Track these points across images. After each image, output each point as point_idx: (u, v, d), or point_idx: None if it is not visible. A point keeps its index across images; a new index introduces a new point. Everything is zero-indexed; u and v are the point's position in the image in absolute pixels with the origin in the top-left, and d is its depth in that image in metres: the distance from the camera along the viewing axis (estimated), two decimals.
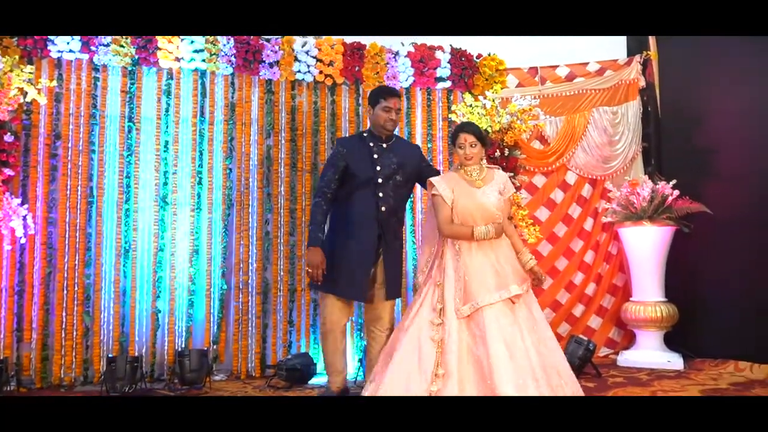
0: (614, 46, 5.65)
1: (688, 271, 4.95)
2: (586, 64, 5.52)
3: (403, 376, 2.88)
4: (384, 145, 3.37)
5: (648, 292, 4.85)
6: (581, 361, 4.40)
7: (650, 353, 4.79)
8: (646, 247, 4.86)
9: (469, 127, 3.13)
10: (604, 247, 5.42)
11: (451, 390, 2.78)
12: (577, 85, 5.47)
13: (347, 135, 4.86)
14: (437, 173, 3.49)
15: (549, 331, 3.10)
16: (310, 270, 3.20)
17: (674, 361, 4.68)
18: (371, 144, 3.37)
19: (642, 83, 5.43)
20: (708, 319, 4.80)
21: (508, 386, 2.70)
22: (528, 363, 2.80)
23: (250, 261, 4.63)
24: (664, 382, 4.20)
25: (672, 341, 4.89)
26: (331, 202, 3.34)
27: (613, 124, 5.38)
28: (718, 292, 4.72)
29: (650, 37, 5.43)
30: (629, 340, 5.24)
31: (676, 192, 4.78)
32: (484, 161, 3.20)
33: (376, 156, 3.34)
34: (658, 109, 5.42)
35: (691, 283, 4.92)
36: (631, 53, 5.60)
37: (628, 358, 4.88)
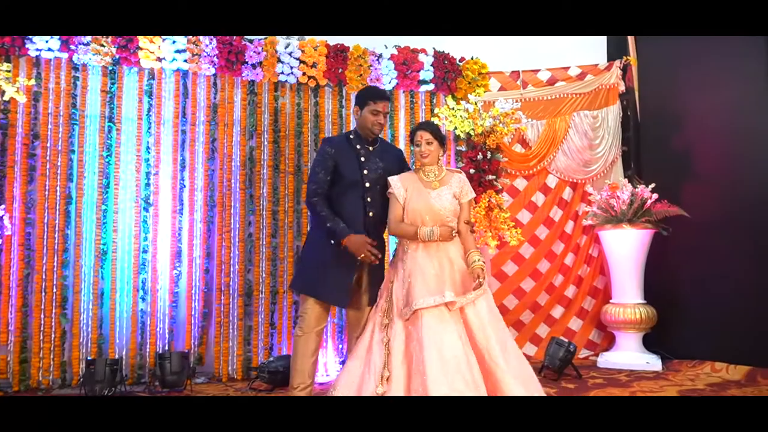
0: (595, 51, 5.73)
1: (666, 274, 5.03)
2: (568, 68, 5.59)
3: (356, 378, 2.90)
4: (370, 149, 3.28)
5: (627, 294, 4.92)
6: (562, 363, 4.44)
7: (629, 354, 4.85)
8: (626, 249, 4.92)
9: (426, 125, 3.14)
10: (584, 249, 5.48)
11: (396, 392, 2.76)
12: (559, 89, 5.53)
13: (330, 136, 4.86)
14: None
15: (498, 335, 2.90)
16: (363, 256, 3.00)
17: (653, 363, 4.75)
18: (358, 147, 3.27)
19: (622, 88, 5.50)
20: (686, 321, 4.88)
21: (440, 391, 2.63)
22: (463, 369, 2.70)
23: (232, 263, 4.60)
24: (642, 383, 4.25)
25: (651, 343, 4.97)
26: (327, 201, 3.20)
27: (594, 128, 5.45)
28: (695, 294, 4.80)
29: (630, 42, 5.52)
30: (609, 342, 5.31)
31: (655, 195, 4.85)
32: (443, 162, 3.18)
33: (363, 159, 3.24)
34: (637, 113, 5.50)
35: (669, 285, 5.00)
36: (611, 58, 5.68)
37: (608, 359, 4.93)
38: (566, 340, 4.62)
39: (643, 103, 5.47)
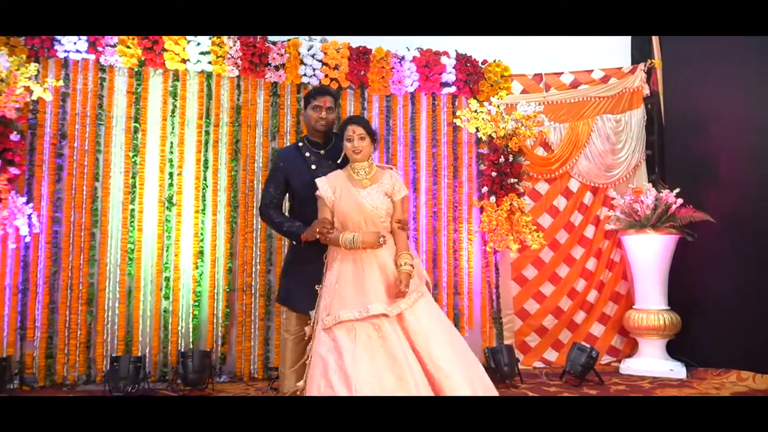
0: (618, 54, 5.68)
1: (691, 280, 4.95)
2: (591, 71, 5.55)
3: (309, 385, 2.69)
4: (321, 152, 3.11)
5: (651, 300, 4.86)
6: (583, 369, 4.40)
7: (653, 361, 4.79)
8: (649, 255, 4.87)
9: (357, 120, 2.92)
10: (606, 254, 5.43)
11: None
12: (582, 92, 5.49)
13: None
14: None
15: (438, 337, 2.69)
16: (320, 234, 2.79)
17: (677, 370, 4.68)
18: (307, 154, 3.11)
19: (646, 91, 5.45)
20: (711, 328, 4.80)
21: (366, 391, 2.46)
22: (395, 370, 2.53)
23: (253, 263, 4.63)
24: (666, 390, 4.20)
25: (674, 350, 4.89)
26: (280, 209, 3.13)
27: (617, 131, 5.40)
28: (721, 301, 4.72)
29: (654, 44, 5.47)
30: (631, 348, 5.25)
31: (680, 200, 4.79)
32: (374, 160, 2.98)
33: (314, 167, 3.06)
34: (662, 117, 5.44)
35: (694, 292, 4.93)
36: (635, 61, 5.62)
37: (630, 365, 4.87)
38: (588, 345, 4.58)
39: (667, 107, 5.40)
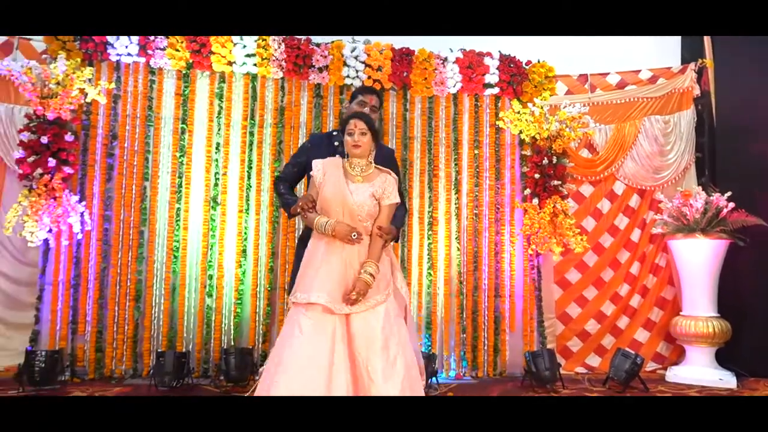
0: (667, 54, 5.54)
1: (742, 286, 4.80)
2: (638, 71, 5.42)
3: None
4: None
5: (699, 306, 4.71)
6: (628, 375, 4.30)
7: (701, 370, 4.64)
8: (698, 260, 4.72)
9: (361, 115, 2.86)
10: (651, 258, 5.29)
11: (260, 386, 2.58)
12: (628, 93, 5.37)
13: (394, 140, 4.89)
14: (398, 182, 2.96)
15: (384, 353, 2.54)
16: (301, 206, 2.72)
17: (726, 380, 4.53)
18: (336, 144, 3.11)
19: (697, 92, 5.29)
20: (763, 337, 4.64)
21: (280, 390, 2.41)
22: (312, 372, 2.45)
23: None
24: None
25: (724, 358, 4.73)
26: (291, 188, 3.16)
27: (665, 133, 5.26)
28: None
29: (706, 44, 5.30)
30: (678, 356, 5.10)
31: (731, 204, 4.64)
32: (372, 158, 2.85)
33: (339, 156, 3.03)
34: (713, 118, 5.27)
35: (745, 299, 4.77)
36: (685, 61, 5.47)
37: (677, 373, 4.74)
38: (632, 351, 4.48)
39: (719, 108, 5.24)
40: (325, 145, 3.17)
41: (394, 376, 2.50)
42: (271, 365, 2.53)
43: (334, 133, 3.23)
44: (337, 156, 2.92)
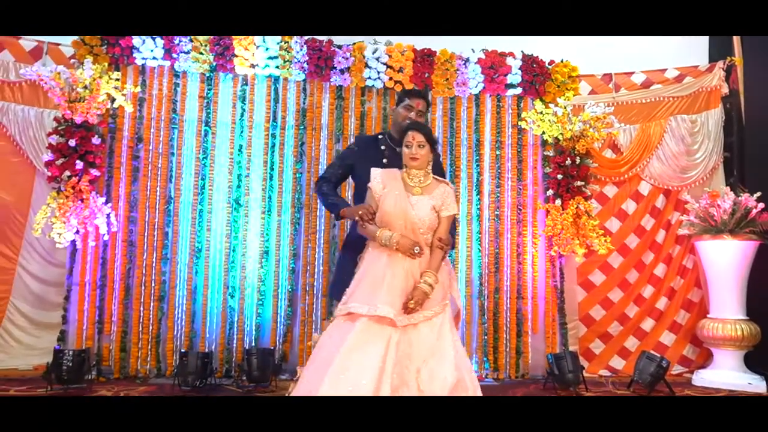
0: (695, 52, 5.44)
1: None
2: (664, 70, 5.34)
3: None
4: (398, 149, 3.03)
5: (727, 309, 4.62)
6: (653, 379, 4.23)
7: (729, 374, 4.55)
8: (726, 261, 4.63)
9: (419, 126, 2.85)
10: (677, 260, 5.20)
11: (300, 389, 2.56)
12: (654, 93, 5.29)
13: None
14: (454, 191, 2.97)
15: (434, 369, 2.54)
16: (361, 215, 2.74)
17: (756, 384, 4.43)
18: (383, 147, 3.10)
19: (725, 90, 5.19)
20: None
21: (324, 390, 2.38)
22: (369, 381, 2.40)
23: (316, 264, 4.71)
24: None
25: (753, 362, 4.63)
26: (335, 187, 3.15)
27: (692, 132, 5.17)
28: None
29: (735, 41, 5.20)
30: (705, 359, 5.01)
31: (761, 205, 4.54)
32: (430, 169, 2.85)
33: (385, 161, 3.06)
34: (742, 117, 5.16)
35: None
36: (712, 59, 5.37)
37: (704, 377, 4.65)
38: (658, 354, 4.40)
39: (748, 107, 5.13)
40: (372, 148, 3.18)
41: (445, 388, 2.49)
42: (320, 365, 2.49)
43: (380, 136, 3.26)
44: (394, 168, 2.90)
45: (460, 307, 2.87)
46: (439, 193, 2.80)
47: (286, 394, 2.70)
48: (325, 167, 4.76)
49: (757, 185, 4.72)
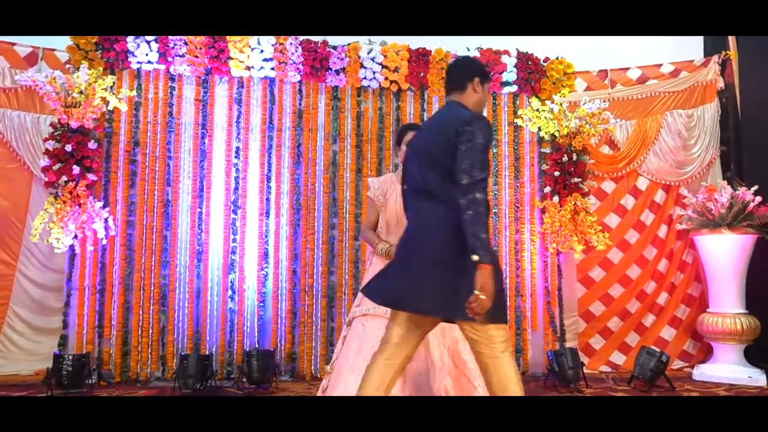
0: (690, 47, 5.44)
1: None
2: (660, 65, 5.34)
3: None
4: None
5: (726, 303, 4.62)
6: (653, 374, 4.23)
7: (729, 368, 4.55)
8: (725, 255, 4.63)
9: (416, 127, 2.86)
10: (678, 255, 5.20)
11: (333, 386, 2.67)
12: (650, 88, 5.29)
13: None
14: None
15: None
16: (483, 298, 2.12)
17: (756, 377, 4.43)
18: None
19: (720, 84, 5.19)
20: None
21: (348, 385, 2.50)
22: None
23: (315, 265, 4.71)
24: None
25: (753, 356, 4.63)
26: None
27: (688, 127, 5.17)
28: None
29: (729, 36, 5.19)
30: (705, 354, 5.01)
31: (758, 198, 4.54)
32: None
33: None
34: (737, 111, 5.16)
35: None
36: (708, 54, 5.37)
37: (704, 372, 4.65)
38: (658, 349, 4.40)
39: (744, 101, 5.13)
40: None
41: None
42: (353, 361, 2.60)
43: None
44: (390, 174, 2.95)
45: None
46: None
47: (319, 393, 2.79)
48: (322, 168, 4.78)
49: (754, 179, 4.72)
